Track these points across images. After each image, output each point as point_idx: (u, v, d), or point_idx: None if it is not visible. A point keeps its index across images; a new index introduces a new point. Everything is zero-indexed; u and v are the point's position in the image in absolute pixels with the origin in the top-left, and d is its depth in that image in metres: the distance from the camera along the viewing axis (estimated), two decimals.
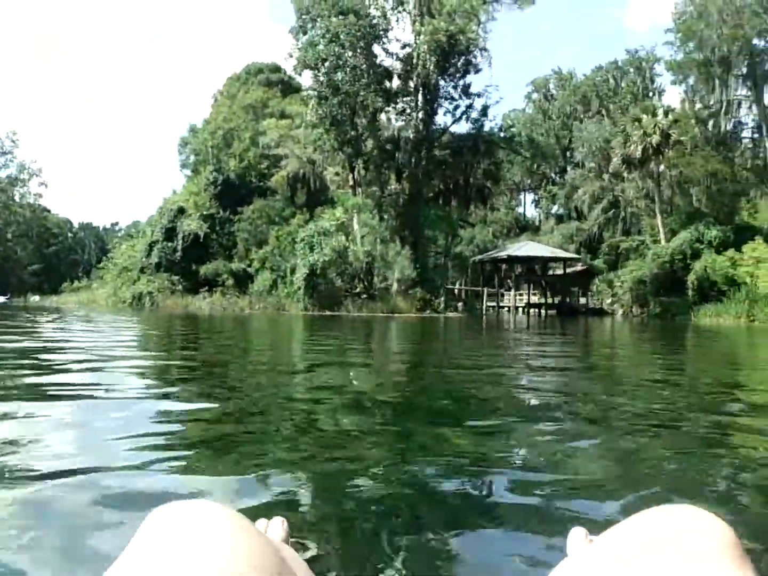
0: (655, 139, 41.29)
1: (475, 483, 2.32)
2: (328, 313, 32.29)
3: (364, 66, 36.02)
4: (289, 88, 55.52)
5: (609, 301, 45.78)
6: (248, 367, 6.62)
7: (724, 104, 40.36)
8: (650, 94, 60.62)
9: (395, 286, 35.08)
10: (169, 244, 44.03)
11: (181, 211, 44.79)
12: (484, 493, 2.25)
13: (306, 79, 39.26)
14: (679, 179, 43.46)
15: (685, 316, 36.62)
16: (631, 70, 62.17)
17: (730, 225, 41.32)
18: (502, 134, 43.58)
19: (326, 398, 4.30)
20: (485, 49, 37.42)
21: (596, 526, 0.58)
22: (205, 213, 43.80)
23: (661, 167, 43.02)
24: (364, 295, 35.17)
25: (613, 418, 3.93)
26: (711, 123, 42.93)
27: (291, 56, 37.09)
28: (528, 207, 74.32)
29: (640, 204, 51.38)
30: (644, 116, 42.42)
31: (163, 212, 46.06)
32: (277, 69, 59.65)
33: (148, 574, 0.41)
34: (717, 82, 39.34)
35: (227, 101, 56.45)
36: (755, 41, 38.16)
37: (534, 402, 4.59)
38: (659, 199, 42.90)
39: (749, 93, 39.91)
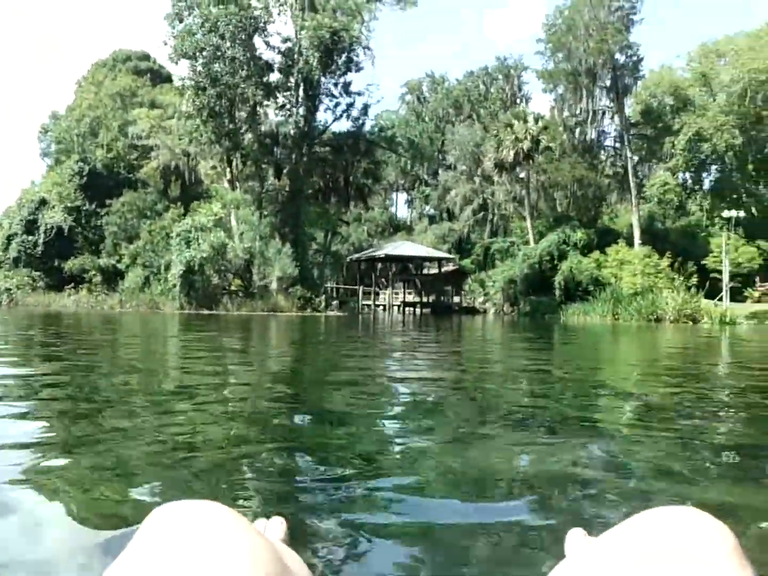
0: (526, 144, 44.22)
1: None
2: (205, 311, 32.27)
3: (244, 58, 36.16)
4: (160, 77, 54.42)
5: (481, 300, 48.43)
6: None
7: (590, 113, 43.98)
8: (517, 101, 64.51)
9: (275, 284, 35.56)
10: (30, 237, 41.99)
11: (43, 202, 42.81)
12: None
13: (182, 68, 38.84)
14: (547, 184, 46.82)
15: (554, 314, 39.51)
16: (500, 77, 65.71)
17: (594, 228, 45.02)
18: (383, 134, 45.06)
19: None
20: (368, 48, 38.75)
21: (595, 527, 0.62)
22: (69, 205, 42.09)
23: (531, 172, 46.24)
24: (243, 294, 35.46)
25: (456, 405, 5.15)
26: (578, 131, 46.59)
27: (166, 44, 36.63)
28: (401, 207, 76.83)
29: (509, 207, 54.74)
30: (516, 122, 45.33)
31: (22, 203, 43.80)
32: (146, 57, 58.20)
33: (148, 573, 0.42)
34: (584, 92, 42.77)
35: (93, 88, 54.32)
36: (618, 56, 41.93)
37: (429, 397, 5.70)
38: (528, 203, 46.02)
39: (612, 104, 43.74)
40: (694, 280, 34.80)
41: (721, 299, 34.77)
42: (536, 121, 44.90)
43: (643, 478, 2.73)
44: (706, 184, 52.28)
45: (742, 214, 38.03)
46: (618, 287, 37.19)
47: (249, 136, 38.45)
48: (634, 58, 42.51)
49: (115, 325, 19.53)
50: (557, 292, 41.51)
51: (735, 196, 48.89)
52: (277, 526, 0.67)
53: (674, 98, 49.67)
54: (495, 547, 1.93)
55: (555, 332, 22.26)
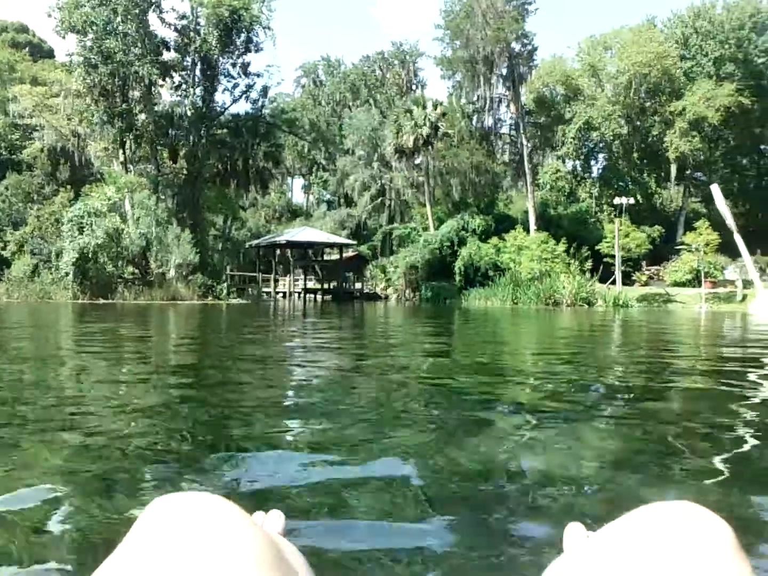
0: (426, 130, 45.39)
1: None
2: (101, 301, 31.37)
3: (138, 35, 35.08)
4: (40, 52, 51.68)
5: (382, 285, 49.37)
6: None
7: (487, 101, 45.63)
8: (413, 87, 65.89)
9: (173, 271, 34.99)
10: None
11: None
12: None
13: (69, 43, 37.23)
14: (445, 170, 48.20)
15: (455, 299, 40.98)
16: (396, 62, 66.77)
17: (491, 214, 46.87)
18: (284, 116, 44.89)
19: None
20: (269, 28, 38.47)
21: (594, 522, 0.64)
22: None
23: (430, 158, 47.47)
24: (140, 282, 34.68)
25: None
26: (475, 118, 48.21)
27: (50, 16, 34.93)
28: (297, 192, 76.63)
29: (408, 192, 55.92)
30: (415, 108, 46.41)
31: None
32: (24, 29, 55.04)
33: (146, 565, 0.43)
34: (482, 79, 44.29)
35: None
36: (514, 44, 43.64)
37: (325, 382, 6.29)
38: (428, 189, 47.27)
39: (508, 92, 45.54)
40: (589, 264, 37.03)
41: (613, 283, 37.17)
42: (435, 107, 46.09)
43: (541, 457, 3.03)
44: (595, 172, 55.49)
45: (631, 201, 40.72)
46: (517, 272, 38.95)
47: (143, 116, 37.40)
48: (529, 47, 44.41)
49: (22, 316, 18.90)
50: (457, 278, 42.99)
51: (621, 183, 52.09)
52: (276, 518, 0.69)
53: (565, 88, 52.21)
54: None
55: (456, 316, 23.24)
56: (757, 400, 4.76)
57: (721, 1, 53.48)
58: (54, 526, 2.01)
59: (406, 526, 2.09)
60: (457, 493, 2.43)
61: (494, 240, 42.53)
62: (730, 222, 9.50)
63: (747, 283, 35.34)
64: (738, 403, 4.54)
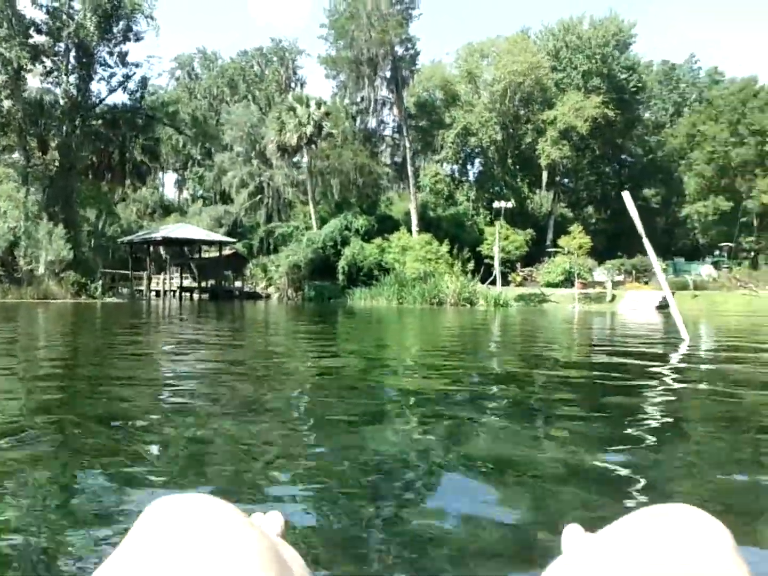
0: (309, 129, 45.45)
1: None
2: None
3: (4, 14, 32.91)
4: None
5: (263, 284, 48.87)
6: None
7: (372, 103, 46.28)
8: (292, 84, 65.66)
9: (42, 268, 33.21)
10: None
11: None
12: None
13: None
14: (330, 169, 48.44)
15: (339, 299, 41.28)
16: (275, 59, 66.24)
17: (374, 215, 47.58)
18: (165, 109, 43.47)
19: None
20: (151, 18, 37.15)
21: (592, 524, 0.64)
22: None
23: (313, 157, 47.54)
24: (8, 279, 32.65)
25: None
26: (359, 119, 48.76)
27: None
28: (170, 187, 74.36)
29: (288, 191, 55.70)
30: (299, 106, 46.35)
31: None
32: None
33: (145, 566, 0.43)
34: (366, 81, 44.87)
35: None
36: (398, 48, 44.54)
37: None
38: (311, 188, 47.32)
39: (391, 95, 46.40)
40: (471, 265, 38.43)
41: (493, 283, 38.72)
42: (319, 106, 46.19)
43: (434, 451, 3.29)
44: (472, 176, 57.59)
45: (510, 205, 42.60)
46: (401, 272, 39.79)
47: (9, 103, 35.15)
48: (412, 52, 45.43)
49: None
50: (341, 277, 43.35)
51: (497, 188, 54.37)
52: (275, 520, 0.69)
53: (444, 93, 53.89)
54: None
55: (346, 315, 23.67)
56: (617, 384, 5.59)
57: (588, 18, 56.98)
58: None
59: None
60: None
61: (378, 240, 43.19)
62: (639, 227, 10.34)
63: (615, 284, 37.95)
64: (596, 388, 5.32)
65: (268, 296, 47.07)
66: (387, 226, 46.14)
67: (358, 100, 46.50)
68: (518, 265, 44.84)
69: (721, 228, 53.29)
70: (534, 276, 43.96)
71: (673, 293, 35.90)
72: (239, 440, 3.34)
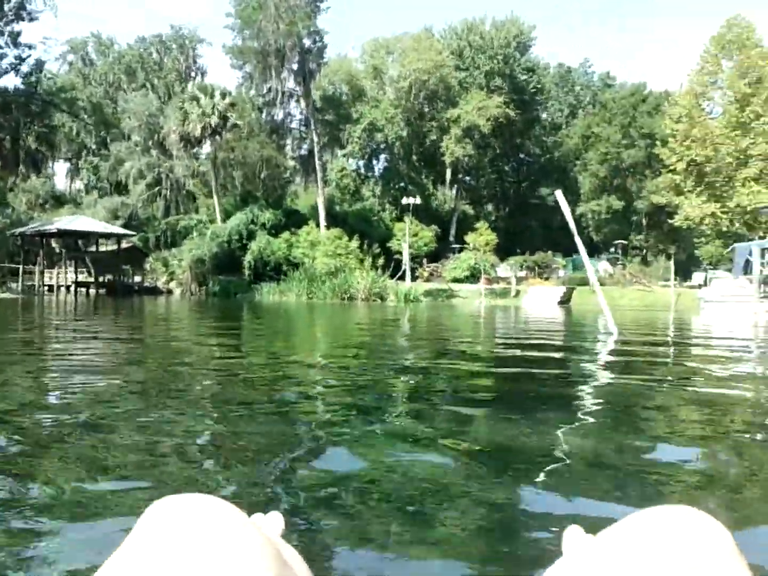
0: (214, 120, 44.54)
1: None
2: None
3: None
4: None
5: (164, 279, 47.50)
6: None
7: (279, 95, 45.78)
8: (193, 73, 64.02)
9: None
10: None
11: None
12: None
13: None
14: (235, 162, 47.65)
15: (246, 294, 40.67)
16: (175, 47, 64.26)
17: (281, 209, 47.14)
18: (63, 95, 41.38)
19: None
20: None
21: (593, 525, 0.64)
22: None
23: (218, 148, 46.60)
24: None
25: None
26: (266, 111, 48.16)
27: None
28: (61, 177, 70.68)
29: (189, 182, 54.39)
30: (202, 96, 45.31)
31: None
32: None
33: (146, 566, 0.44)
34: (273, 72, 44.32)
35: None
36: (306, 40, 44.25)
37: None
38: (216, 180, 46.39)
39: (298, 87, 46.05)
40: (381, 261, 38.78)
41: (401, 278, 39.22)
42: (224, 96, 45.33)
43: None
44: (377, 172, 58.01)
45: (418, 201, 43.21)
46: (311, 267, 39.68)
47: None
48: (320, 44, 45.26)
49: None
50: (247, 272, 42.78)
51: (402, 184, 55.01)
52: (275, 520, 0.69)
53: (350, 88, 54.00)
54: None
55: (248, 311, 23.29)
56: (511, 371, 6.05)
57: (490, 19, 58.47)
58: None
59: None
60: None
61: (286, 235, 42.85)
62: (572, 226, 10.85)
63: (518, 280, 39.28)
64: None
65: (169, 291, 45.81)
66: (294, 220, 45.84)
67: (265, 91, 45.88)
68: (424, 260, 45.52)
69: (614, 226, 56.06)
70: (440, 272, 44.77)
71: (573, 289, 37.58)
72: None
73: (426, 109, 54.18)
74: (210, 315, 19.87)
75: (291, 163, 50.60)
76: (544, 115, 65.45)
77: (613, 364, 7.55)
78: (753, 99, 42.61)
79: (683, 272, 43.45)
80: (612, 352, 8.99)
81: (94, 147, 61.16)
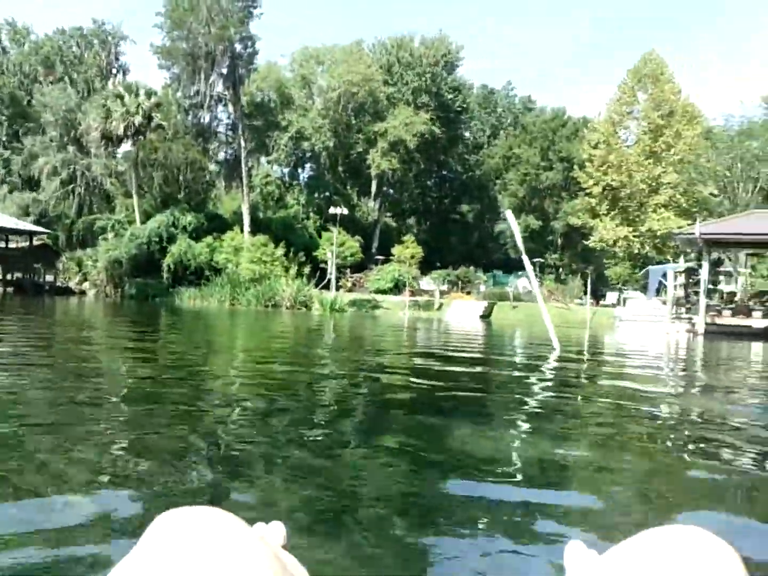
0: (138, 119, 43.64)
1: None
2: None
3: None
4: None
5: (77, 279, 46.06)
6: None
7: (207, 98, 45.26)
8: (114, 70, 62.42)
9: None
10: None
11: None
12: None
13: None
14: (158, 163, 46.74)
15: (164, 298, 39.89)
16: (96, 42, 62.48)
17: (203, 213, 46.48)
18: None
19: None
20: None
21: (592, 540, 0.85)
22: None
23: (141, 149, 45.60)
24: None
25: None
26: (192, 113, 47.51)
27: None
28: None
29: (107, 182, 52.98)
30: (127, 95, 44.36)
31: None
32: None
33: None
34: (202, 75, 43.80)
35: None
36: (237, 45, 43.96)
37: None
38: (136, 180, 45.37)
39: (227, 92, 45.61)
40: (307, 269, 38.87)
41: (326, 287, 39.41)
42: (149, 96, 44.52)
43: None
44: (303, 180, 58.05)
45: (345, 211, 43.53)
46: (234, 273, 39.33)
47: None
48: (251, 50, 45.02)
49: None
50: (165, 275, 42.01)
51: (327, 193, 55.24)
52: (277, 531, 0.68)
53: (279, 95, 53.97)
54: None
55: (165, 316, 23.19)
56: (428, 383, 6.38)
57: (419, 36, 59.62)
58: None
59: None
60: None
61: (208, 239, 42.32)
62: (520, 244, 11.44)
63: (441, 294, 40.11)
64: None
65: (82, 292, 44.47)
66: (216, 224, 45.29)
67: (192, 93, 45.31)
68: (347, 271, 45.82)
69: (531, 245, 57.84)
70: (362, 282, 45.17)
71: (494, 303, 38.67)
72: None
73: (353, 121, 54.66)
74: (125, 318, 19.56)
75: (215, 167, 50.03)
76: (467, 134, 67.04)
77: (564, 378, 8.08)
78: (665, 130, 45.10)
79: (593, 291, 45.41)
80: (558, 367, 9.57)
81: (5, 139, 58.72)
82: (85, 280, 45.45)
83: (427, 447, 3.65)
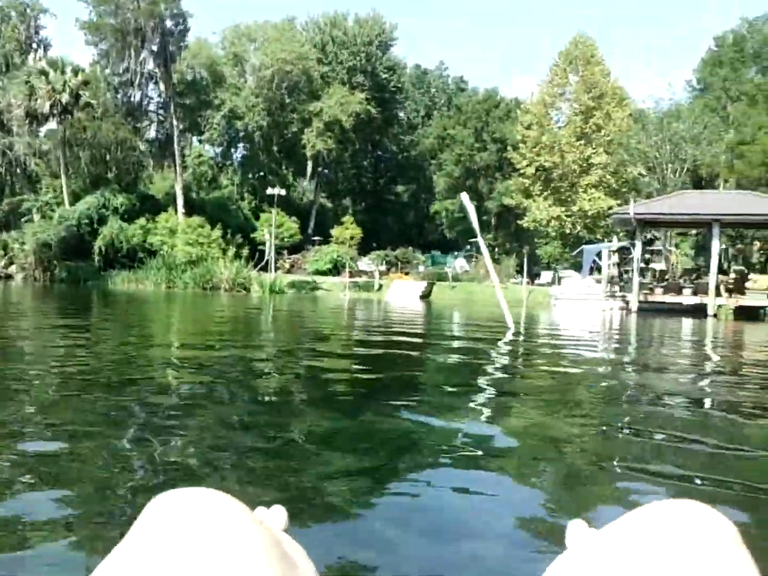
0: (65, 97, 42.26)
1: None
2: None
3: None
4: None
5: (3, 263, 44.56)
6: None
7: (138, 75, 44.07)
8: (34, 46, 59.98)
9: None
10: None
11: None
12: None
13: None
14: (87, 142, 45.38)
15: (96, 281, 39.02)
16: (14, 14, 59.86)
17: (135, 194, 45.47)
18: None
19: None
20: None
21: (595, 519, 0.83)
22: None
23: (69, 128, 44.16)
24: None
25: None
26: (122, 91, 46.20)
27: None
28: None
29: (31, 162, 51.17)
30: (52, 71, 42.86)
31: None
32: None
33: (148, 561, 0.43)
34: (132, 52, 42.63)
35: None
36: (168, 22, 42.93)
37: None
38: (64, 160, 44.00)
39: (158, 70, 44.49)
40: (245, 251, 38.59)
41: (264, 269, 39.21)
42: (76, 73, 43.13)
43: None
44: (236, 160, 57.32)
45: (283, 192, 43.26)
46: (170, 255, 38.74)
47: None
48: (182, 27, 44.08)
49: None
50: (97, 258, 41.08)
51: (261, 173, 54.74)
52: (278, 515, 0.66)
53: (210, 74, 52.97)
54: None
55: (98, 300, 22.76)
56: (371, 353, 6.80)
57: (352, 15, 59.37)
58: None
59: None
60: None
61: (142, 221, 41.50)
62: (476, 225, 11.79)
63: (382, 274, 40.47)
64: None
65: (8, 277, 43.07)
66: (148, 205, 44.40)
67: (121, 71, 44.09)
68: (285, 252, 45.66)
69: (466, 225, 58.62)
70: (300, 263, 45.13)
71: (433, 284, 39.24)
72: None
73: (288, 100, 54.10)
74: (56, 303, 19.16)
75: (146, 146, 48.90)
76: (401, 114, 67.27)
77: (525, 356, 8.49)
78: (595, 112, 46.35)
79: (528, 271, 46.49)
80: (515, 343, 9.99)
81: None
82: (11, 263, 44.00)
83: (367, 429, 3.76)
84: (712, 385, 6.15)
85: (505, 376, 6.05)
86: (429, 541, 2.11)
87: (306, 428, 3.72)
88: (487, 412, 4.39)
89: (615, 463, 3.13)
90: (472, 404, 4.59)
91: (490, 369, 6.53)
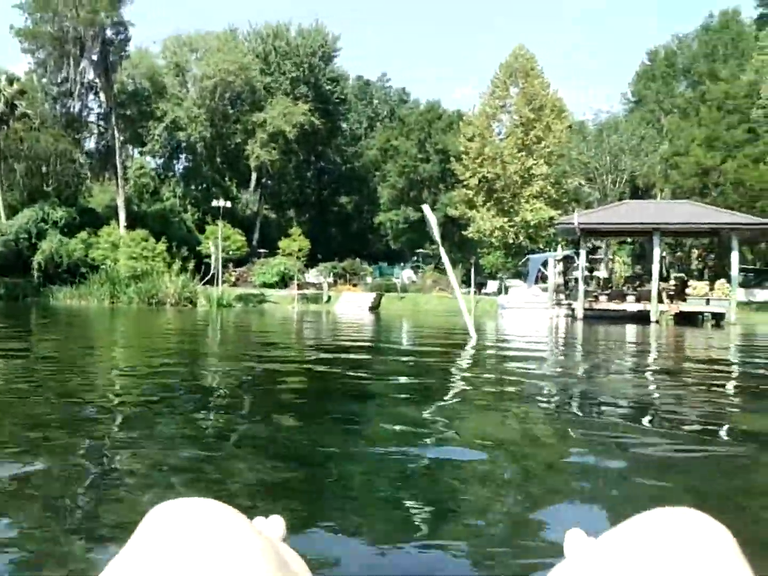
0: (0, 108, 41.27)
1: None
2: None
3: None
4: None
5: None
6: None
7: (78, 86, 43.16)
8: None
9: None
10: None
11: None
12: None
13: None
14: (23, 154, 44.20)
15: (36, 297, 38.00)
16: None
17: (74, 207, 44.42)
18: None
19: None
20: None
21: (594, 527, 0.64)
22: None
23: (4, 140, 42.99)
24: None
25: None
26: (60, 102, 45.17)
27: None
28: None
29: None
30: None
31: None
32: None
33: (147, 571, 0.43)
34: (71, 61, 41.77)
35: None
36: (108, 31, 42.21)
37: None
38: (2, 173, 42.84)
39: (98, 79, 43.70)
40: (191, 264, 38.13)
41: (210, 282, 38.80)
42: (11, 82, 42.10)
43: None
44: (178, 172, 56.61)
45: (228, 204, 42.91)
46: (113, 270, 38.01)
47: None
48: (123, 36, 43.46)
49: None
50: (36, 274, 40.08)
51: (204, 185, 54.22)
52: (277, 524, 0.71)
53: (152, 84, 52.30)
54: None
55: (38, 317, 22.27)
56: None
57: (295, 26, 59.45)
58: None
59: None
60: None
61: (83, 235, 40.62)
62: (437, 236, 12.02)
63: (330, 286, 40.51)
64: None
65: None
66: (89, 219, 43.45)
67: (60, 80, 43.16)
68: (230, 264, 45.27)
69: (411, 235, 59.25)
70: (246, 276, 44.83)
71: (382, 295, 39.48)
72: None
73: (230, 111, 53.88)
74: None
75: (85, 159, 47.89)
76: (345, 126, 67.58)
77: (492, 365, 8.73)
78: (536, 124, 47.43)
79: (469, 280, 47.14)
80: (479, 355, 10.22)
81: None
82: None
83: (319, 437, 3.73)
84: (661, 387, 6.49)
85: (468, 386, 6.20)
86: (420, 561, 2.06)
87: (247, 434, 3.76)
88: (456, 421, 4.48)
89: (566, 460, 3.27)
90: (447, 414, 4.69)
91: (456, 378, 6.70)
